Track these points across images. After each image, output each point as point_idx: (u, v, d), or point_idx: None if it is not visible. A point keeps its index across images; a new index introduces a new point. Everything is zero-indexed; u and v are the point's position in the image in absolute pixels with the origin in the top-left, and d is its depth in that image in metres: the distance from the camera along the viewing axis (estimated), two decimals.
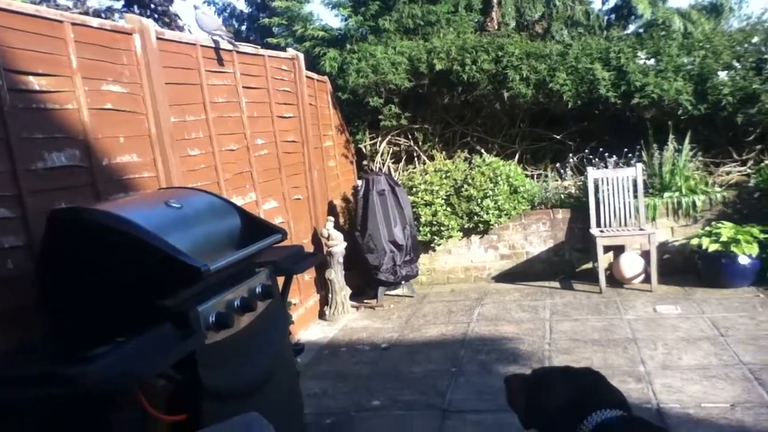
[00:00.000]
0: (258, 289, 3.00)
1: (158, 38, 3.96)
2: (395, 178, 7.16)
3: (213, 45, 4.71)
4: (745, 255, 5.85)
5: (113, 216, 2.47)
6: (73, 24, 3.24)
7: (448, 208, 7.12)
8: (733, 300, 5.70)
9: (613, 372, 4.29)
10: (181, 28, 11.01)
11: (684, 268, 6.56)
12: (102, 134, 3.35)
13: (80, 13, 7.31)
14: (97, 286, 2.46)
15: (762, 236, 5.93)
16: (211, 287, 2.67)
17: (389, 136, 8.16)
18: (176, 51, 4.23)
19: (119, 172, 3.47)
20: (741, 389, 3.93)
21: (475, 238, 7.31)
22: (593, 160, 7.07)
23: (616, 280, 6.60)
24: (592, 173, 6.72)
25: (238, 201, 4.57)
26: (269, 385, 2.99)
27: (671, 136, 6.85)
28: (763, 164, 6.82)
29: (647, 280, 6.37)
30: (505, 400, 2.02)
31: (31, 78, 2.92)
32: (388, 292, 6.91)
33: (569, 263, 7.11)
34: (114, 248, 2.43)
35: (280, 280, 3.48)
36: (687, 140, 6.79)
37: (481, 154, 7.77)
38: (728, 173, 7.10)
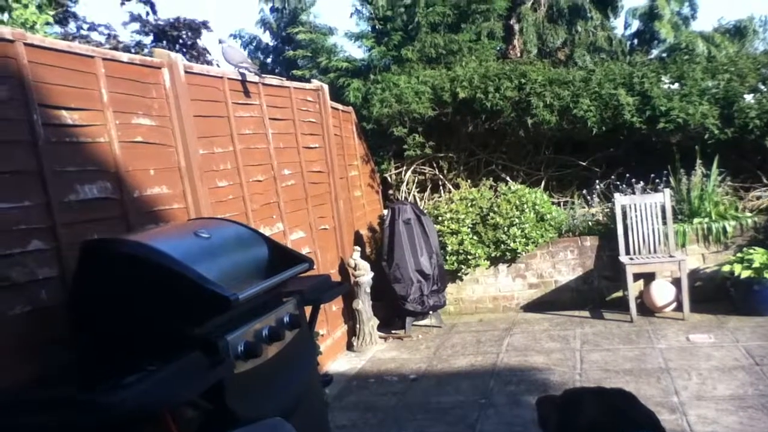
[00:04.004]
0: (286, 319, 3.00)
1: (186, 72, 4.02)
2: (421, 207, 7.17)
3: (239, 77, 4.78)
4: None
5: (144, 246, 2.50)
6: (104, 59, 3.32)
7: (475, 237, 7.09)
8: None
9: (646, 402, 4.14)
10: (209, 62, 11.19)
11: (716, 295, 6.44)
12: (132, 167, 3.40)
13: (111, 49, 7.48)
14: (128, 315, 2.48)
15: None
16: (240, 316, 2.68)
17: (414, 165, 8.18)
18: (204, 84, 4.30)
19: (150, 203, 3.52)
20: None
21: (502, 266, 7.26)
22: (620, 186, 7.01)
23: (647, 308, 6.50)
24: (619, 199, 6.66)
25: (266, 231, 4.59)
26: (297, 416, 2.97)
27: (698, 161, 6.77)
28: None
29: (679, 308, 6.25)
30: (535, 428, 1.98)
31: (63, 112, 2.98)
32: (415, 323, 6.86)
33: (599, 291, 7.02)
34: (144, 278, 2.45)
35: (308, 310, 3.47)
36: (715, 165, 6.71)
37: (506, 182, 7.75)
38: (758, 198, 7.00)
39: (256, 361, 2.66)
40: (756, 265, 5.86)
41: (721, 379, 4.57)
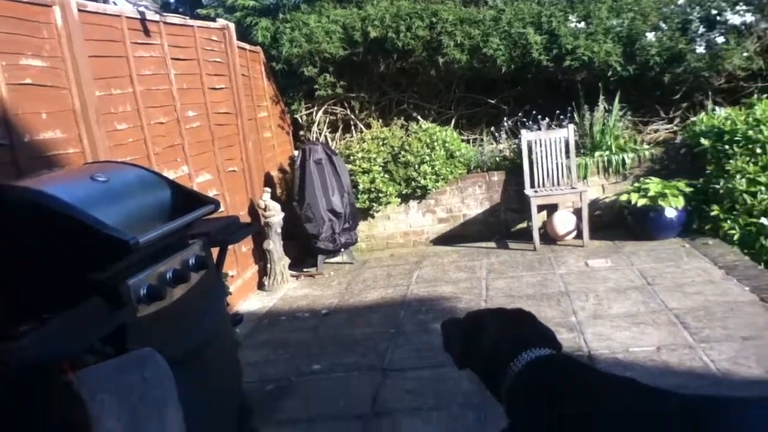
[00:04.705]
0: (191, 261, 2.98)
1: (80, 10, 3.85)
2: (332, 147, 7.17)
3: (138, 16, 4.61)
4: (672, 208, 6.12)
5: (35, 192, 2.42)
6: None
7: (386, 175, 7.18)
8: (661, 251, 5.96)
9: (546, 323, 4.41)
10: (106, 1, 10.65)
11: (614, 223, 6.82)
12: (22, 110, 3.27)
13: None
14: (21, 264, 2.42)
15: (687, 190, 6.20)
16: (142, 261, 2.66)
17: (325, 106, 8.13)
18: (100, 23, 4.13)
19: (42, 148, 3.41)
20: (667, 333, 4.15)
21: (413, 203, 7.41)
22: (527, 123, 7.20)
23: (549, 237, 6.82)
24: (525, 135, 6.86)
25: (170, 175, 4.53)
26: (205, 356, 3.01)
27: (601, 97, 7.02)
28: (688, 121, 7.06)
29: (579, 236, 6.59)
30: (443, 353, 2.05)
31: None
32: (327, 260, 6.96)
33: (505, 224, 7.29)
34: (37, 225, 2.39)
35: (215, 251, 3.47)
36: (616, 101, 6.99)
37: (417, 121, 7.83)
38: (656, 131, 7.34)
39: (160, 304, 2.65)
40: (651, 193, 6.20)
41: (616, 299, 4.89)
